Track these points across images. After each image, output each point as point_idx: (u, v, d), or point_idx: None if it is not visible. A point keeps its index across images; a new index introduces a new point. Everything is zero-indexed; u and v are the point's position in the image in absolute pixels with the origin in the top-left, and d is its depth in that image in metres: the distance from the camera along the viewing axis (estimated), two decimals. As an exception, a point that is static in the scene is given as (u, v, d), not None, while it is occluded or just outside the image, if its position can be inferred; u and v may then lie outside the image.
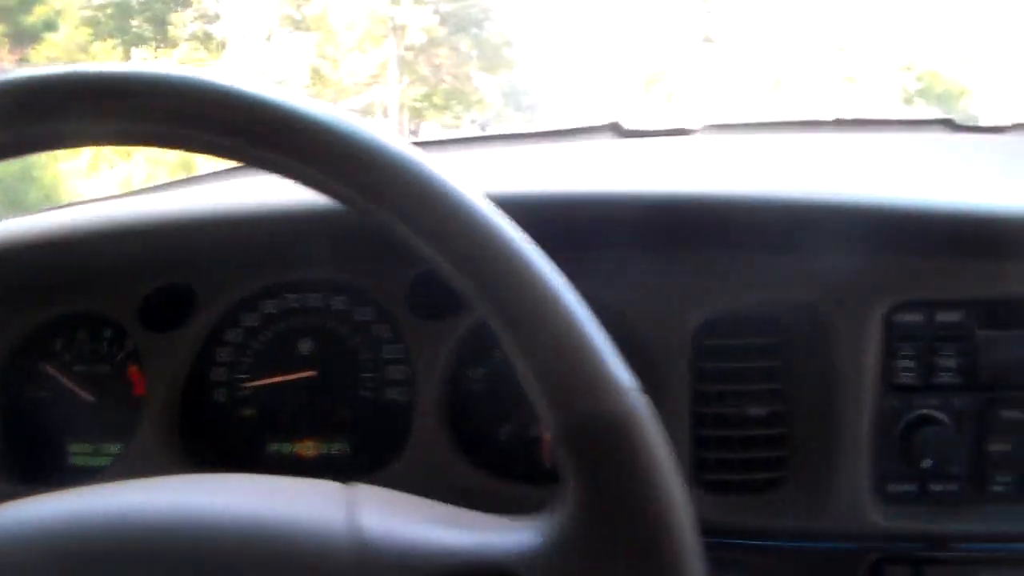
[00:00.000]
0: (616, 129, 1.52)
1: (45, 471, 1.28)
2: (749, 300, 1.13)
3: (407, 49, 26.77)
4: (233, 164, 1.63)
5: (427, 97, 27.83)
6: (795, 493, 1.10)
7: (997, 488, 1.08)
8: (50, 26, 21.32)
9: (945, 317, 1.08)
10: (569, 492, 0.54)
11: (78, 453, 1.30)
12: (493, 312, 0.52)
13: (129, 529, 0.55)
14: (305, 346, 1.26)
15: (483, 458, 1.16)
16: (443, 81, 28.00)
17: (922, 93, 22.00)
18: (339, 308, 1.26)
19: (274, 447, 1.26)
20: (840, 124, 1.61)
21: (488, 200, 0.53)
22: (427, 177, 0.52)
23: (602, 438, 0.50)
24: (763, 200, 1.09)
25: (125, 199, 1.40)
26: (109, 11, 23.99)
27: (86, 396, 1.29)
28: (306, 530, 0.54)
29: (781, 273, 1.11)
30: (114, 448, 1.28)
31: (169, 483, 0.63)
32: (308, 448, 1.25)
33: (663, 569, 0.50)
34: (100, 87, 0.50)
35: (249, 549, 0.54)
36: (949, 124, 1.54)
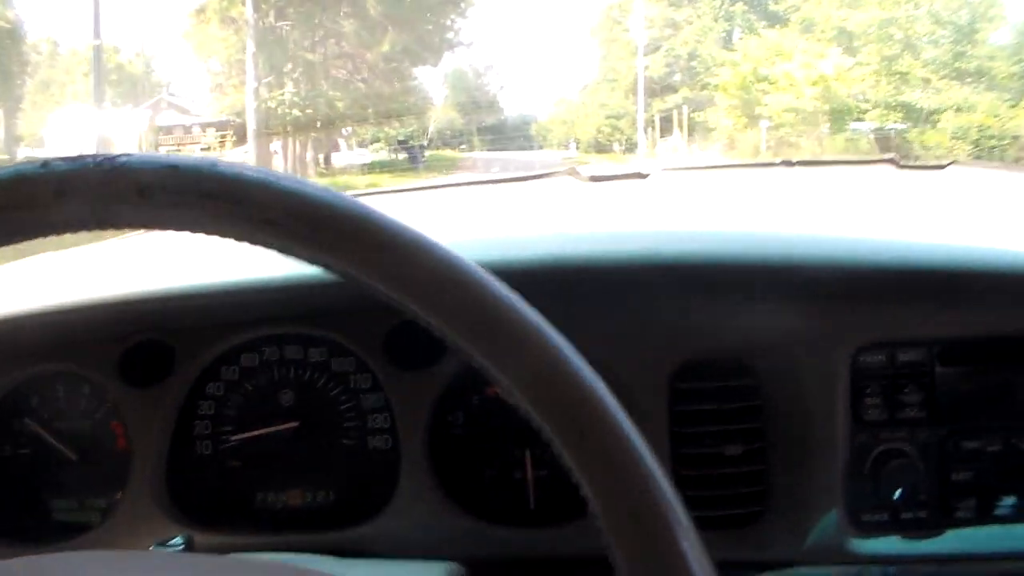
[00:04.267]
0: (575, 173, 1.52)
1: (28, 528, 1.26)
2: (722, 345, 1.16)
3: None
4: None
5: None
6: (774, 526, 1.14)
7: (962, 513, 1.12)
8: None
9: (907, 356, 1.12)
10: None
11: (62, 509, 1.28)
12: (597, 494, 0.47)
13: None
14: (286, 398, 1.26)
15: (469, 502, 1.17)
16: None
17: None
18: (317, 359, 1.26)
19: (260, 497, 1.25)
20: (789, 164, 1.64)
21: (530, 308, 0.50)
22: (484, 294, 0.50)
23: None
24: (730, 254, 1.13)
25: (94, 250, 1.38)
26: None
27: (68, 452, 1.27)
28: None
29: (751, 319, 1.15)
30: (99, 503, 1.26)
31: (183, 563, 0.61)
32: (294, 498, 1.25)
33: None
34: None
35: None
36: (893, 162, 1.58)
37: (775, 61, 27.08)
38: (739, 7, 37.32)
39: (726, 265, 1.12)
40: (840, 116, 26.00)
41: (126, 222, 0.51)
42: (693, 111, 32.72)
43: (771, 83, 26.57)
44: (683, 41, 39.10)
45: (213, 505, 1.24)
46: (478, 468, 1.22)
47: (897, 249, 1.14)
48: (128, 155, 0.49)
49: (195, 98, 35.89)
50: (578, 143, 41.82)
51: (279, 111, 30.67)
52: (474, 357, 0.51)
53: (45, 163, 0.49)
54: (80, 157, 0.49)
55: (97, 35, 26.54)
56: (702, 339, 1.16)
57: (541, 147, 44.21)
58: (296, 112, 30.97)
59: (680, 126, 31.84)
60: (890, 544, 1.12)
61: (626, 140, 38.00)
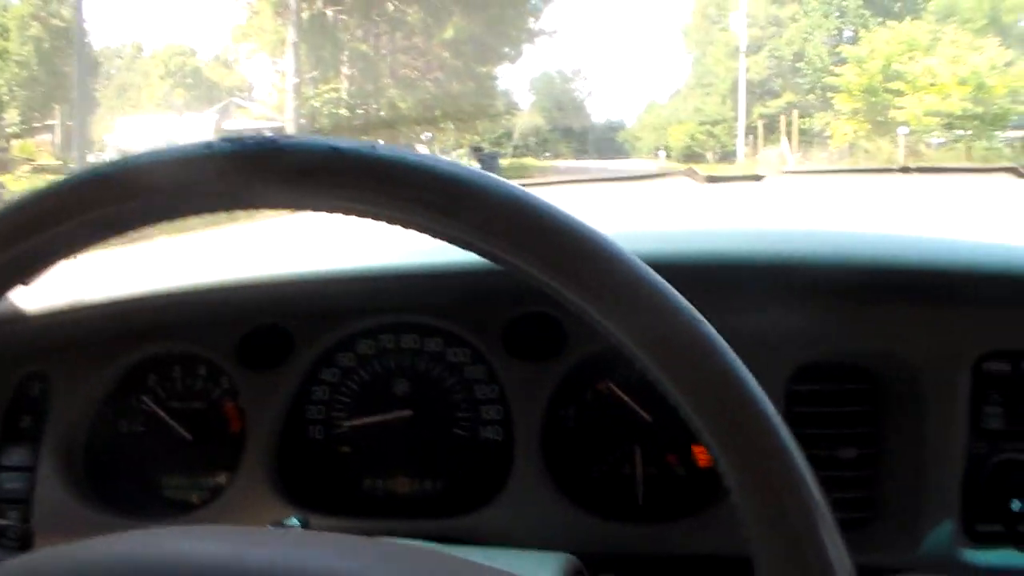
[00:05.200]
0: (692, 174, 1.56)
1: (139, 503, 1.32)
2: (840, 348, 1.18)
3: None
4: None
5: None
6: (885, 532, 1.15)
7: None
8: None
9: None
10: None
11: (173, 487, 1.34)
12: (739, 478, 0.49)
13: None
14: (400, 386, 1.30)
15: (579, 496, 1.19)
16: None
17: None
18: (433, 349, 1.30)
19: (368, 483, 1.30)
20: (907, 170, 1.65)
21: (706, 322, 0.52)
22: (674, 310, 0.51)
23: None
24: (850, 256, 1.14)
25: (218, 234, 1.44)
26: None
27: (182, 432, 1.33)
28: None
29: (870, 322, 1.16)
30: (210, 483, 1.32)
31: (334, 542, 0.59)
32: (402, 486, 1.29)
33: None
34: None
35: None
36: (1014, 171, 1.59)
37: (912, 56, 24.61)
38: (852, 1, 35.39)
39: (846, 267, 1.14)
40: (995, 121, 23.08)
41: (284, 202, 0.54)
42: (802, 117, 30.69)
43: (907, 82, 24.11)
44: (788, 40, 37.29)
45: (322, 489, 1.28)
46: (588, 463, 1.25)
47: (1021, 254, 1.14)
48: (288, 136, 0.52)
49: (269, 101, 35.80)
50: (668, 151, 40.78)
51: (325, 110, 29.26)
52: (637, 355, 0.52)
53: (208, 144, 0.52)
54: (241, 138, 0.52)
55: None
56: (820, 342, 1.17)
57: (629, 155, 43.10)
58: (344, 111, 29.35)
59: (788, 133, 29.78)
60: (1005, 556, 1.11)
61: (721, 148, 36.29)
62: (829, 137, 29.40)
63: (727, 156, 34.56)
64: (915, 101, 23.57)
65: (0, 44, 28.51)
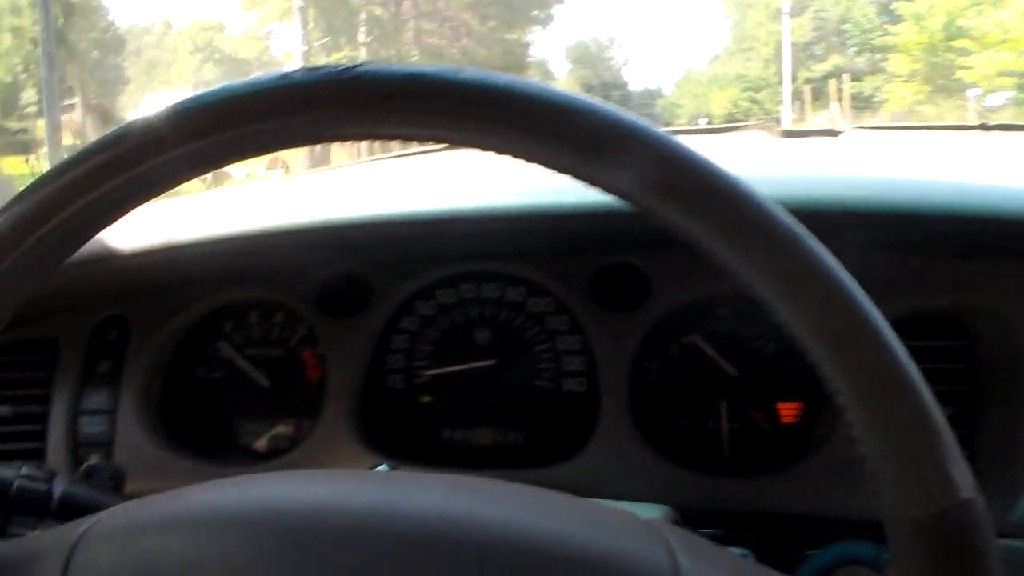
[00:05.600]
0: (768, 128, 1.55)
1: (218, 449, 1.34)
2: (934, 303, 1.17)
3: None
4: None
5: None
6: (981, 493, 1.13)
7: None
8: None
9: None
10: None
11: (251, 434, 1.36)
12: (855, 394, 0.49)
13: (392, 527, 0.52)
14: (482, 336, 1.30)
15: (665, 448, 1.19)
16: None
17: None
18: (515, 299, 1.30)
19: (449, 434, 1.31)
20: (986, 127, 1.64)
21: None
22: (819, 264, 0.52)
23: (952, 536, 0.48)
24: (941, 205, 1.12)
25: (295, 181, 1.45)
26: None
27: (259, 378, 1.34)
28: (630, 567, 0.52)
29: (966, 276, 1.15)
30: (288, 431, 1.34)
31: (431, 481, 0.59)
32: (484, 437, 1.30)
33: None
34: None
35: (559, 570, 0.51)
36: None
37: (979, 10, 22.20)
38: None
39: (944, 217, 1.11)
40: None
41: (372, 130, 0.53)
42: (853, 80, 29.42)
43: (973, 39, 21.84)
44: (834, 1, 36.27)
45: (403, 439, 1.29)
46: (673, 417, 1.25)
47: None
48: (369, 63, 0.51)
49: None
50: (710, 119, 38.45)
51: None
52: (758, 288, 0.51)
53: (285, 75, 0.52)
54: (320, 67, 0.51)
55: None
56: (916, 295, 1.16)
57: (668, 124, 42.24)
58: None
59: (838, 97, 27.90)
60: None
61: (765, 115, 34.35)
62: (880, 102, 28.30)
63: (772, 122, 32.39)
64: (984, 60, 21.41)
65: (14, 22, 28.11)
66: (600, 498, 1.11)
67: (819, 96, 30.95)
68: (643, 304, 1.22)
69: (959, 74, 22.88)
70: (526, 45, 35.97)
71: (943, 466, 0.48)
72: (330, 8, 28.85)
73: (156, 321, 1.34)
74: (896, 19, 27.81)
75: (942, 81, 24.32)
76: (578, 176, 0.52)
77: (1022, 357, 1.12)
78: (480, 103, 0.50)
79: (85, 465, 0.97)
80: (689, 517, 1.07)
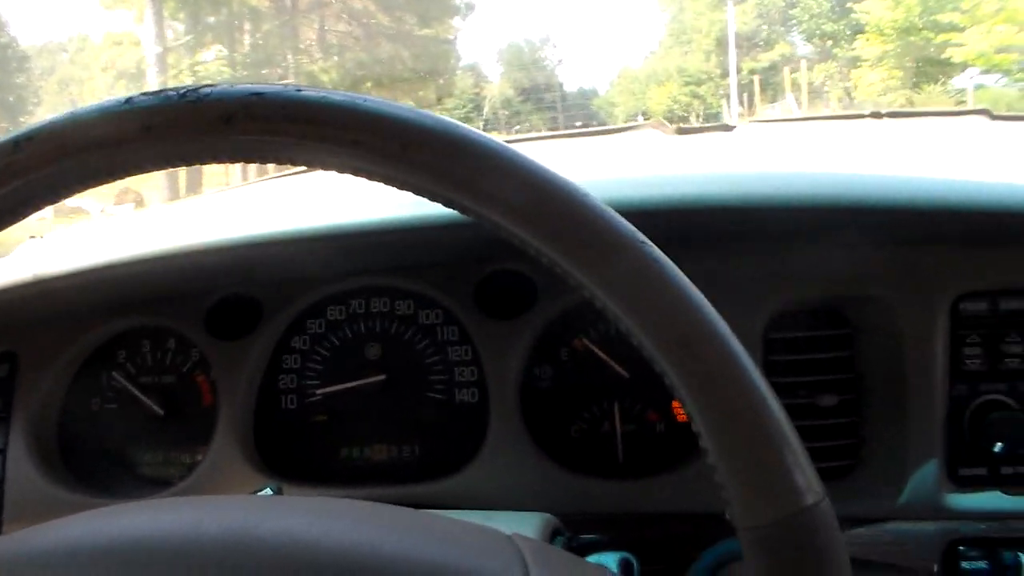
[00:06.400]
0: (661, 126, 1.60)
1: (113, 482, 1.34)
2: (815, 293, 1.20)
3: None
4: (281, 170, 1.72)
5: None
6: (868, 479, 1.17)
7: None
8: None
9: (1009, 305, 1.15)
10: None
11: (149, 463, 1.36)
12: (697, 404, 0.51)
13: (247, 551, 0.53)
14: (372, 351, 1.32)
15: (558, 454, 1.22)
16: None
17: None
18: (404, 312, 1.32)
19: (345, 452, 1.32)
20: (877, 115, 1.69)
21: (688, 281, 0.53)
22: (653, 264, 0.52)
23: (795, 542, 0.50)
24: (821, 196, 1.14)
25: (179, 207, 1.47)
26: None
27: (154, 406, 1.34)
28: None
29: (844, 266, 1.17)
30: (184, 458, 1.34)
31: (292, 504, 0.60)
32: (379, 452, 1.31)
33: None
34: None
35: None
36: (986, 113, 1.62)
37: None
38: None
39: (817, 208, 1.14)
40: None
41: (213, 154, 0.54)
42: (794, 72, 27.99)
43: (963, 13, 19.46)
44: None
45: (298, 459, 1.30)
46: (566, 421, 1.27)
47: (998, 192, 1.14)
48: (211, 86, 0.52)
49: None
50: (647, 117, 36.67)
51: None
52: (597, 296, 0.53)
53: (128, 99, 0.52)
54: (163, 91, 0.52)
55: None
56: (795, 288, 1.19)
57: (604, 124, 40.82)
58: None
59: (794, 87, 26.73)
60: (989, 499, 1.14)
61: (706, 110, 33.77)
62: (828, 92, 27.00)
63: (711, 118, 31.05)
64: (978, 35, 18.80)
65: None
66: (492, 508, 1.14)
67: (765, 88, 30.36)
68: (530, 310, 1.24)
69: (949, 52, 20.35)
70: (447, 43, 34.24)
71: (785, 474, 0.49)
72: (198, 2, 25.26)
73: (46, 355, 1.34)
74: None
75: (921, 64, 23.07)
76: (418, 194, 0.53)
77: (903, 343, 1.15)
78: (333, 125, 0.52)
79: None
80: (581, 522, 1.09)
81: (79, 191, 0.56)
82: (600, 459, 1.26)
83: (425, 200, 0.54)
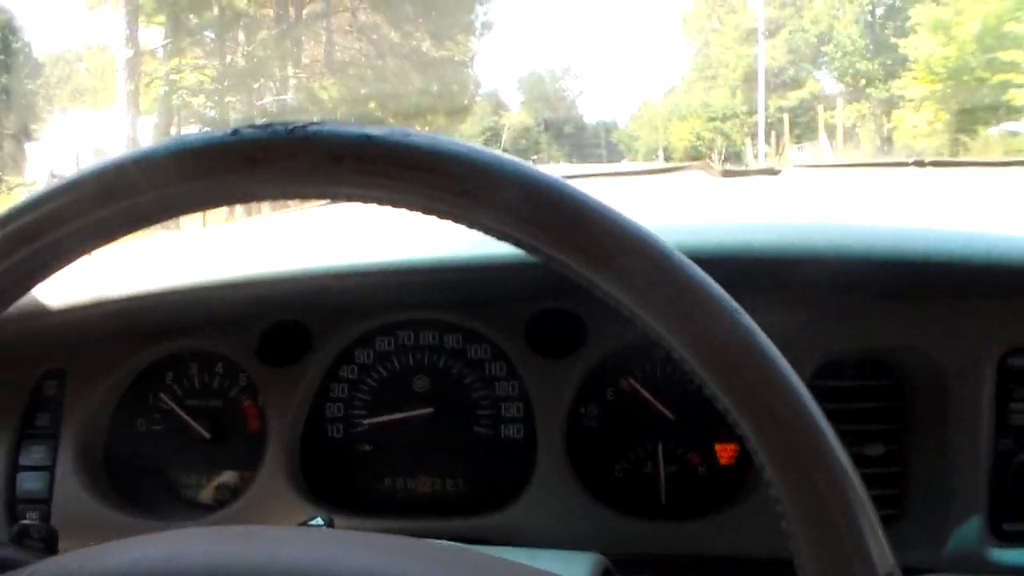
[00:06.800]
0: (707, 168, 1.63)
1: (158, 503, 1.36)
2: (863, 343, 1.22)
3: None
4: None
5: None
6: (911, 530, 1.18)
7: None
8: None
9: None
10: None
11: (192, 486, 1.39)
12: (770, 467, 0.51)
13: None
14: (420, 383, 1.34)
15: (602, 494, 1.24)
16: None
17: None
18: (453, 346, 1.35)
19: (389, 483, 1.35)
20: (921, 164, 1.71)
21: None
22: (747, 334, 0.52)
23: None
24: (873, 249, 1.17)
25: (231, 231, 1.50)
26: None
27: (200, 430, 1.37)
28: None
29: (894, 316, 1.20)
30: (230, 483, 1.37)
31: (369, 541, 0.61)
32: (423, 485, 1.34)
33: None
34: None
35: None
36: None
37: None
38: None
39: (867, 260, 1.16)
40: None
41: (317, 191, 0.55)
42: (827, 109, 26.98)
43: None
44: (812, 19, 33.74)
45: (343, 489, 1.33)
46: (610, 461, 1.29)
47: None
48: (320, 123, 0.53)
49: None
50: (668, 152, 38.52)
51: (179, 98, 22.94)
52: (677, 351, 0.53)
53: (235, 131, 0.53)
54: (271, 124, 0.53)
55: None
56: (843, 337, 1.20)
57: (623, 158, 40.74)
58: (205, 100, 23.53)
59: (826, 127, 25.52)
60: None
61: (727, 148, 33.01)
62: (861, 133, 25.37)
63: (733, 157, 30.95)
64: None
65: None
66: (537, 545, 1.16)
67: (793, 126, 28.54)
68: (579, 349, 1.27)
69: (1011, 94, 18.95)
70: (463, 65, 32.73)
71: (860, 546, 0.50)
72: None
73: (95, 374, 1.36)
74: (902, 31, 24.06)
75: (970, 109, 20.85)
76: (455, 219, 0.54)
77: (950, 396, 1.17)
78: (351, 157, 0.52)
79: (16, 525, 0.98)
80: (626, 563, 1.11)
81: (180, 215, 0.58)
82: (643, 500, 1.28)
83: (478, 236, 0.55)
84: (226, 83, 23.62)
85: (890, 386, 1.23)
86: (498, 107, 41.59)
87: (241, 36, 24.45)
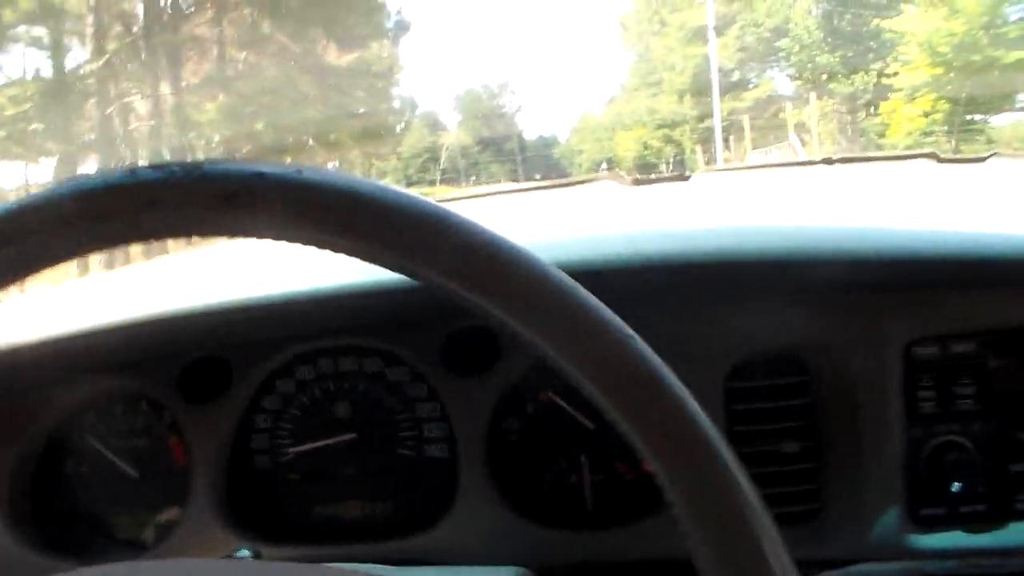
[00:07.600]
0: (618, 177, 1.68)
1: (88, 545, 1.38)
2: (774, 343, 1.26)
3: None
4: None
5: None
6: (831, 523, 1.22)
7: (1022, 505, 1.21)
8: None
9: (960, 348, 1.21)
10: None
11: (124, 526, 1.41)
12: (671, 489, 0.52)
13: None
14: (342, 409, 1.37)
15: (528, 508, 1.27)
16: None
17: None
18: (372, 370, 1.37)
19: (319, 510, 1.37)
20: (829, 162, 1.77)
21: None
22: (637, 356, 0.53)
23: None
24: (776, 250, 1.22)
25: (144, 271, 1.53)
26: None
27: (128, 469, 1.39)
28: None
29: (801, 315, 1.24)
30: (160, 519, 1.39)
31: (285, 571, 0.63)
32: (352, 510, 1.37)
33: None
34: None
35: None
36: (933, 156, 1.71)
37: None
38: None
39: (773, 262, 1.21)
40: None
41: (213, 229, 0.55)
42: (790, 108, 25.68)
43: None
44: (767, 12, 31.72)
45: (273, 519, 1.35)
46: (534, 474, 1.32)
47: (946, 239, 1.22)
48: (213, 161, 0.54)
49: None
50: (611, 164, 36.14)
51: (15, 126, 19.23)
52: (560, 362, 0.55)
53: (132, 171, 0.53)
54: (166, 165, 0.53)
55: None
56: (754, 338, 1.24)
57: (567, 173, 38.09)
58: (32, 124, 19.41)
59: (800, 128, 23.96)
60: (950, 538, 1.19)
61: (677, 156, 32.55)
62: (822, 131, 23.60)
63: (679, 166, 29.77)
64: None
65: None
66: (465, 563, 1.20)
67: (752, 128, 27.61)
68: (495, 365, 1.30)
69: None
70: (382, 76, 28.67)
71: (761, 564, 0.51)
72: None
73: (18, 420, 1.38)
74: (886, 10, 21.43)
75: (979, 93, 18.60)
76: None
77: (859, 388, 1.22)
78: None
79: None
80: (551, 574, 1.14)
81: (73, 259, 0.58)
82: (570, 510, 1.31)
83: None
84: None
85: (802, 383, 1.26)
86: (435, 127, 41.29)
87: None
